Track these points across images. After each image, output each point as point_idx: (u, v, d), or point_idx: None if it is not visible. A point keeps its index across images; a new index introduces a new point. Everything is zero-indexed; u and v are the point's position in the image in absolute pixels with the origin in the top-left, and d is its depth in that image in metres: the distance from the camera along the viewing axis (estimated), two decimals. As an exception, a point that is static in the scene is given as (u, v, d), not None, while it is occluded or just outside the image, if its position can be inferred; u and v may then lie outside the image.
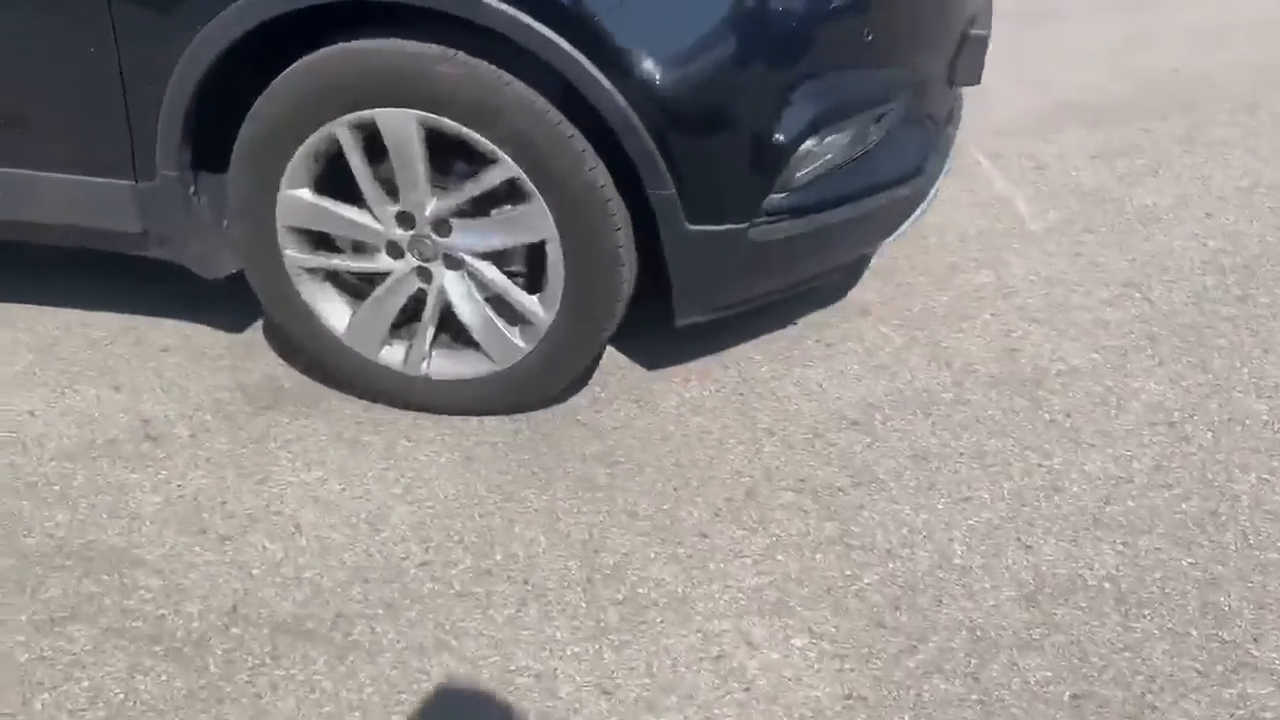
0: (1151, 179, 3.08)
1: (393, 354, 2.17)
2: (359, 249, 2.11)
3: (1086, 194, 3.01)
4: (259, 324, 2.52)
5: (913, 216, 2.21)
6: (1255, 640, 1.69)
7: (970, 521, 1.92)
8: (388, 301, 2.11)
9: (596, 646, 1.71)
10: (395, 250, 2.05)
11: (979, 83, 2.33)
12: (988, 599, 1.77)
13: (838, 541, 1.89)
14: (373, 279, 2.12)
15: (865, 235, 2.21)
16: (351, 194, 2.05)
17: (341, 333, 2.16)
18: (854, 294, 2.56)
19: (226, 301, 2.41)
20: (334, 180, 2.04)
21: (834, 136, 1.97)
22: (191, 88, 1.93)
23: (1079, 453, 2.07)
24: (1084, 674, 1.65)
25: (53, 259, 2.50)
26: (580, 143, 1.87)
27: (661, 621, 1.75)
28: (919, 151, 2.18)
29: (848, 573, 1.82)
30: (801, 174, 1.94)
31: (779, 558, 1.86)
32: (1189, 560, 1.84)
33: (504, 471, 2.07)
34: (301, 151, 1.97)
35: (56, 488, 2.05)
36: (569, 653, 1.71)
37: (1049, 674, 1.65)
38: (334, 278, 2.17)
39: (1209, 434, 2.11)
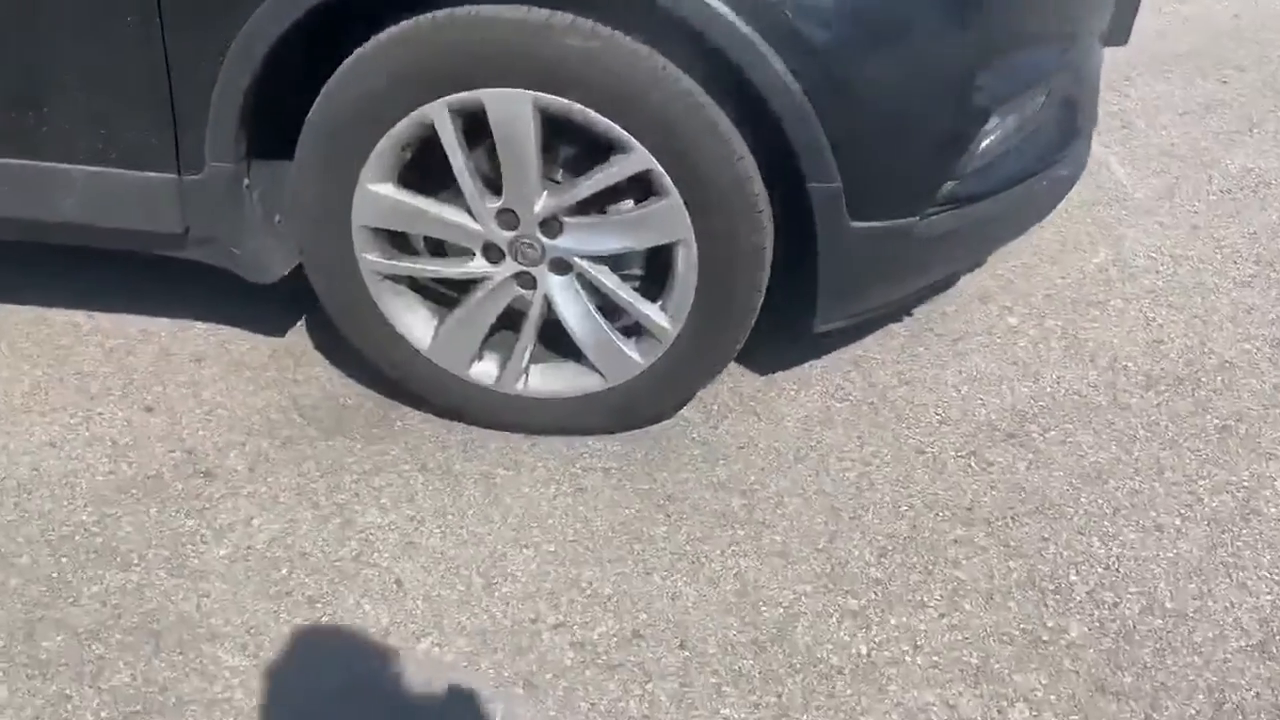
0: (1247, 138, 2.87)
1: (484, 369, 1.88)
2: (449, 252, 1.81)
3: (1183, 157, 2.78)
4: (302, 326, 2.20)
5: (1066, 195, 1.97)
6: None
7: (1169, 555, 1.70)
8: (482, 311, 1.81)
9: (781, 728, 1.47)
10: (493, 253, 1.75)
11: (1127, 42, 2.08)
12: (1215, 651, 1.56)
13: (1029, 584, 1.66)
14: (464, 286, 1.82)
15: (1024, 220, 1.96)
16: (434, 188, 1.74)
17: (426, 347, 1.86)
18: (967, 277, 2.32)
19: (260, 301, 2.08)
20: (415, 173, 1.73)
21: (1011, 114, 1.71)
22: (253, 65, 1.60)
23: (1264, 464, 1.86)
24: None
25: (44, 248, 2.14)
26: (728, 130, 1.59)
27: (852, 694, 1.51)
28: (1076, 123, 1.92)
29: (1050, 624, 1.60)
30: (979, 158, 1.68)
31: (966, 606, 1.63)
32: None
33: (623, 504, 1.80)
34: (388, 139, 1.65)
35: (99, 540, 1.74)
36: (752, 738, 1.46)
37: (1302, 742, 1.45)
38: (416, 285, 1.86)
39: (1394, 438, 1.91)
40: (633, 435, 1.94)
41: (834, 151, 1.57)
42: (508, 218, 1.71)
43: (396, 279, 1.82)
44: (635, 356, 1.81)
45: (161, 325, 2.21)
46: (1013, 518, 1.77)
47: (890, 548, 1.72)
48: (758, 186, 1.63)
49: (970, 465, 1.87)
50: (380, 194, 1.71)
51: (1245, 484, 1.82)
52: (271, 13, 1.55)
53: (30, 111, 1.71)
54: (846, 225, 1.64)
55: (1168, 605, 1.62)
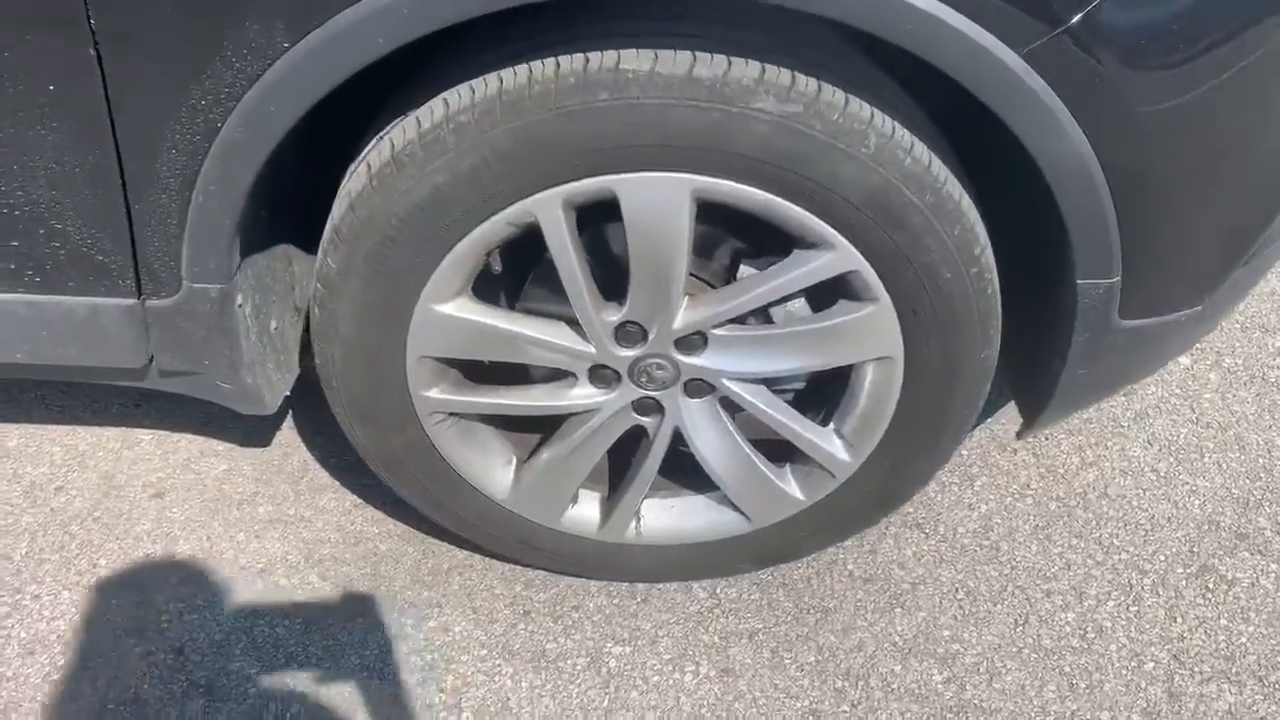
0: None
1: (581, 516, 1.39)
2: (534, 378, 1.29)
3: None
4: (291, 429, 1.66)
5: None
6: None
7: None
8: (585, 450, 1.31)
9: None
10: (604, 378, 1.24)
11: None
12: None
13: (1345, 775, 1.28)
14: (555, 419, 1.31)
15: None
16: (499, 296, 1.23)
17: (504, 496, 1.35)
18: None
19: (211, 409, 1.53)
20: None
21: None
22: (259, 155, 1.04)
23: None
24: None
25: None
26: (972, 217, 1.11)
27: None
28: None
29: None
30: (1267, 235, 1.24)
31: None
32: None
33: (793, 694, 1.35)
34: (466, 245, 1.12)
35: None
36: None
37: None
38: (487, 419, 1.34)
39: None
40: (769, 573, 1.48)
41: (1123, 238, 1.10)
42: (631, 333, 1.20)
43: (465, 416, 1.30)
44: (796, 494, 1.34)
45: (98, 441, 1.63)
46: (1288, 667, 1.38)
47: (1153, 731, 1.32)
48: (996, 286, 1.16)
49: (1209, 589, 1.47)
50: (450, 316, 1.17)
51: None
52: (301, 73, 0.98)
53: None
54: (1115, 324, 1.19)
55: None
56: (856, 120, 1.03)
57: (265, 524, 1.54)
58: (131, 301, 1.18)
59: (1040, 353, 1.26)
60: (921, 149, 1.06)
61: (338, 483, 1.60)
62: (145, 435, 1.66)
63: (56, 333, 1.22)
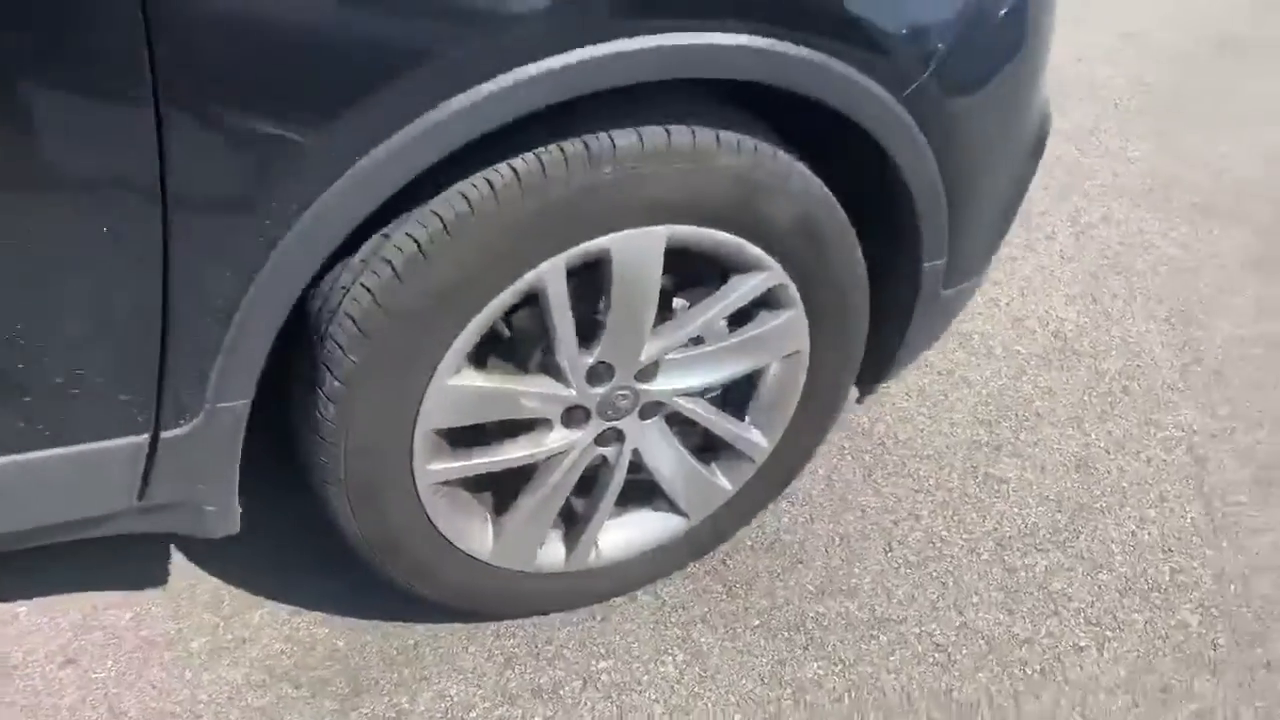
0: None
1: (550, 554, 1.52)
2: (514, 431, 1.42)
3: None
4: (183, 566, 1.61)
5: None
6: None
7: None
8: (559, 490, 1.46)
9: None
10: (574, 419, 1.41)
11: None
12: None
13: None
14: (526, 469, 1.44)
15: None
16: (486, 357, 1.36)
17: (488, 553, 1.46)
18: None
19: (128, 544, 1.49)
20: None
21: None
22: (311, 264, 1.11)
23: None
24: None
25: None
26: (849, 225, 1.42)
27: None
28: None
29: None
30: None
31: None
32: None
33: (756, 653, 1.59)
34: (482, 318, 1.24)
35: None
36: None
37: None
38: (466, 483, 1.44)
39: None
40: (714, 573, 1.70)
41: (951, 225, 1.48)
42: (599, 372, 1.38)
43: (452, 483, 1.40)
44: (724, 484, 1.58)
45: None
46: (1067, 529, 1.85)
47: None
48: (866, 280, 1.49)
49: (993, 489, 1.91)
50: (460, 387, 1.28)
51: None
52: (362, 189, 1.06)
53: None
54: (940, 294, 1.56)
55: None
56: (783, 164, 1.31)
57: (208, 656, 1.50)
58: (144, 436, 1.16)
59: (884, 327, 1.60)
60: (819, 182, 1.36)
61: (261, 597, 1.58)
62: (19, 608, 1.52)
63: (41, 490, 1.16)
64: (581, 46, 1.06)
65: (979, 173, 1.47)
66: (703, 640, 1.60)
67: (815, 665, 1.59)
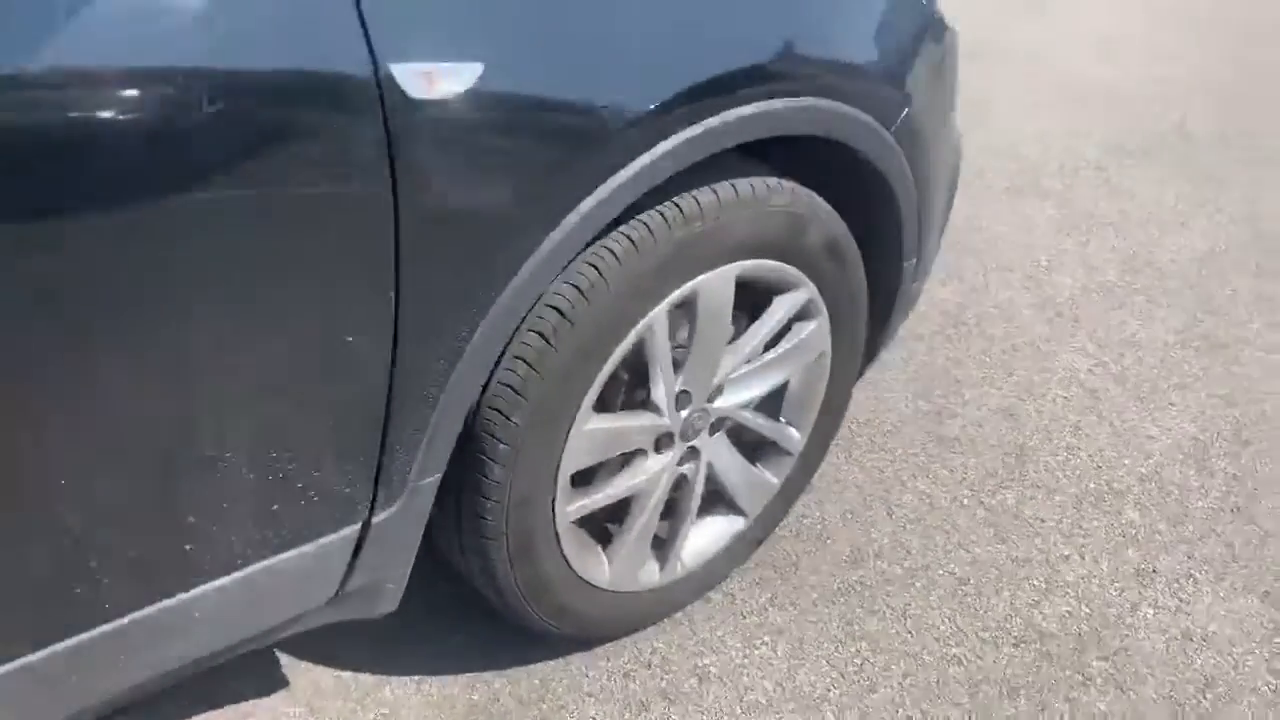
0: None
1: (649, 571, 1.71)
2: (612, 464, 1.60)
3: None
4: (284, 659, 1.68)
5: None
6: None
7: None
8: (655, 513, 1.65)
9: None
10: (664, 444, 1.61)
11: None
12: None
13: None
14: (627, 498, 1.62)
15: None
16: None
17: (607, 581, 1.63)
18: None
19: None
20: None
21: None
22: (504, 335, 1.27)
23: None
24: None
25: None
26: (854, 239, 1.70)
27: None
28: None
29: None
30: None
31: (1082, 539, 2.03)
32: None
33: (826, 620, 1.82)
34: (611, 364, 1.43)
35: None
36: None
37: None
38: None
39: None
40: (776, 568, 1.92)
41: (920, 226, 1.79)
42: (681, 399, 1.59)
43: (579, 521, 1.56)
44: (773, 480, 1.81)
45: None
46: (1018, 466, 2.20)
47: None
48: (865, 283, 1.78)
49: (951, 451, 2.24)
50: (592, 430, 1.46)
51: None
52: (545, 261, 1.24)
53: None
54: (911, 287, 1.87)
55: None
56: (810, 197, 1.57)
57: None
58: (358, 525, 1.27)
59: (870, 320, 1.88)
60: (829, 207, 1.63)
61: (381, 674, 1.67)
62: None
63: (267, 597, 1.24)
64: (715, 115, 1.30)
65: (934, 186, 1.78)
66: (777, 620, 1.82)
67: (874, 619, 1.84)
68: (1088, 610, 1.88)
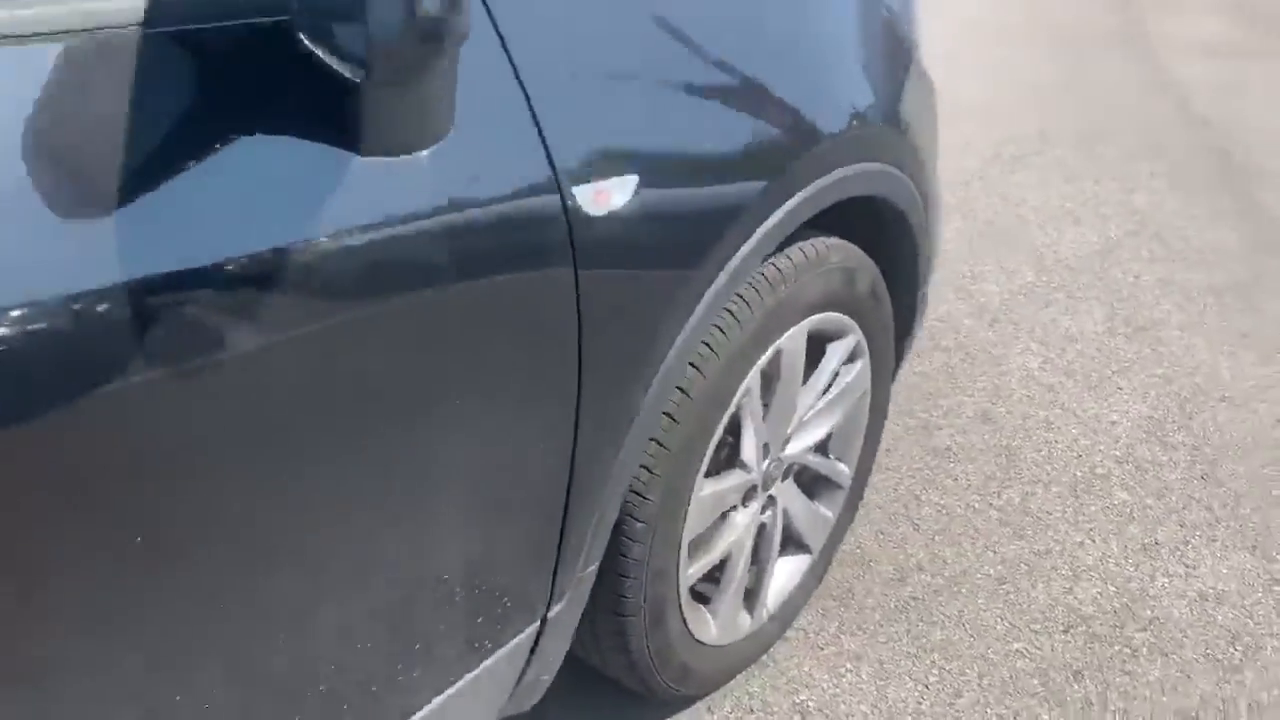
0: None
1: (744, 620, 1.78)
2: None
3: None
4: None
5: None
6: None
7: None
8: (744, 564, 1.72)
9: None
10: (748, 497, 1.69)
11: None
12: None
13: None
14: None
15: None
16: None
17: (715, 637, 1.69)
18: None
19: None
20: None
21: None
22: (654, 426, 1.33)
23: (1008, 361, 2.76)
24: None
25: None
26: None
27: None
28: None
29: None
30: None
31: None
32: None
33: (894, 638, 1.94)
34: (718, 433, 1.50)
35: None
36: None
37: None
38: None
39: None
40: (849, 606, 2.02)
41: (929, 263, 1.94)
42: (762, 452, 1.68)
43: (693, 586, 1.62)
44: (829, 514, 1.92)
45: None
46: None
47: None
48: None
49: (945, 461, 2.40)
50: (705, 495, 1.53)
51: None
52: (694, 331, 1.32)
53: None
54: (923, 308, 2.02)
55: None
56: (852, 251, 1.69)
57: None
58: (535, 624, 1.30)
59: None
60: (865, 255, 1.76)
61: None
62: None
63: (464, 712, 1.26)
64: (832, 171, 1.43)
65: (937, 221, 1.94)
66: (852, 646, 1.93)
67: (937, 630, 1.97)
68: (1114, 589, 2.07)
